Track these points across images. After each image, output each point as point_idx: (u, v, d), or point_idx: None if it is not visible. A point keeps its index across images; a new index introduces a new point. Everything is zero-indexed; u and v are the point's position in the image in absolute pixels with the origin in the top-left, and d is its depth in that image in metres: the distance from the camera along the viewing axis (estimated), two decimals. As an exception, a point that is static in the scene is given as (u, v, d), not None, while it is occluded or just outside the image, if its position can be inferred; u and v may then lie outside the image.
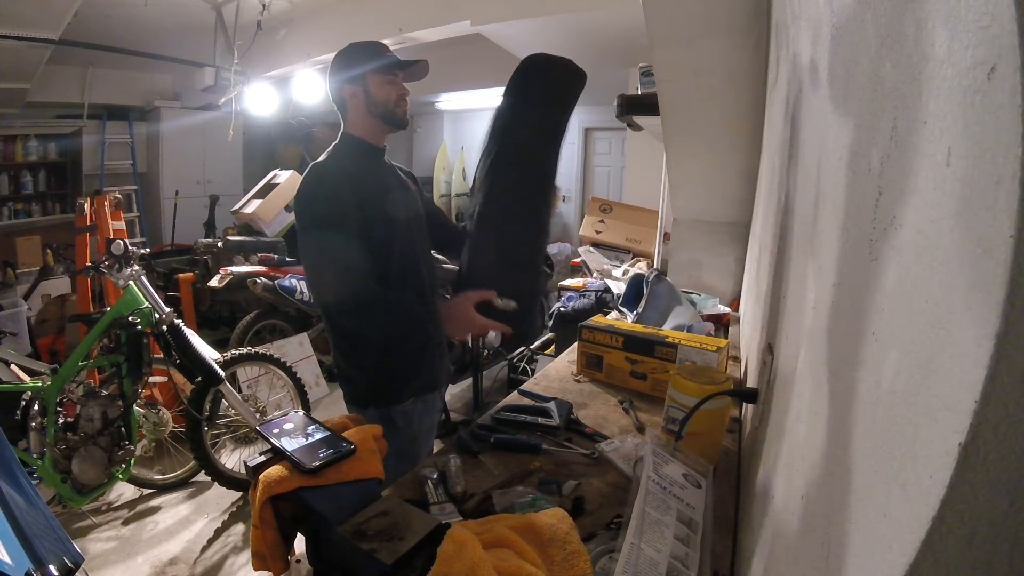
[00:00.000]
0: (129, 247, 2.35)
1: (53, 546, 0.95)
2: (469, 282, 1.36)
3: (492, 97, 6.42)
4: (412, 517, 0.73)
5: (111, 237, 2.56)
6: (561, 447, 1.15)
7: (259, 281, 3.46)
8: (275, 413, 2.72)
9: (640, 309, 1.90)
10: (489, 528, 0.73)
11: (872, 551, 0.31)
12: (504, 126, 1.35)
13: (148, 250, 4.54)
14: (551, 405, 1.26)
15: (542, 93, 1.34)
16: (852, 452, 0.37)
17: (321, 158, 1.37)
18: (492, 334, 3.42)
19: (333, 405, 3.47)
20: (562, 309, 3.00)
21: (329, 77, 1.39)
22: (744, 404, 1.23)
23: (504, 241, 1.33)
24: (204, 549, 2.27)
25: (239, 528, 2.41)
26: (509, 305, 1.26)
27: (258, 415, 2.66)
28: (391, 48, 1.43)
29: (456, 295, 1.35)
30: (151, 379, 2.41)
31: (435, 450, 1.50)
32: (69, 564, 0.95)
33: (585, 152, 7.12)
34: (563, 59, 1.33)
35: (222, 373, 2.41)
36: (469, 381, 3.47)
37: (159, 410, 2.58)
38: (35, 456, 2.10)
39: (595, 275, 3.54)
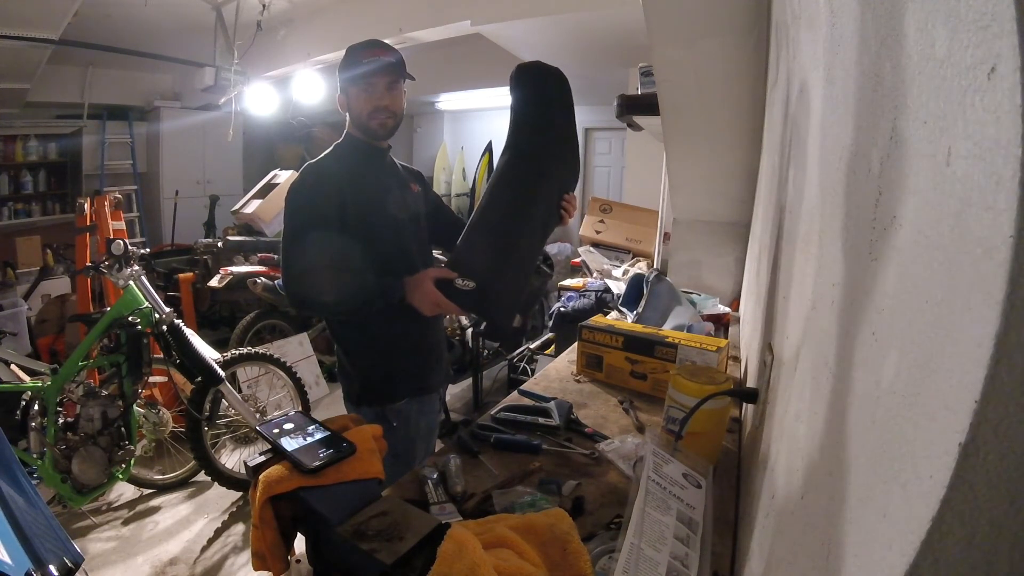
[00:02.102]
0: (129, 247, 2.35)
1: (53, 546, 0.95)
2: (450, 264, 1.31)
3: (492, 97, 6.41)
4: (412, 517, 0.73)
5: (111, 237, 2.56)
6: (561, 447, 1.15)
7: (259, 281, 3.46)
8: (275, 413, 2.73)
9: (640, 309, 1.90)
10: (489, 528, 0.73)
11: (872, 551, 0.31)
12: (512, 127, 1.32)
13: (148, 250, 4.53)
14: (551, 405, 1.26)
15: (539, 94, 1.32)
16: (852, 452, 0.37)
17: (317, 158, 1.37)
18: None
19: (333, 405, 3.47)
20: (562, 309, 3.00)
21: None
22: (744, 404, 1.23)
23: (478, 226, 1.28)
24: (204, 549, 2.27)
25: (239, 528, 2.41)
26: (467, 285, 1.21)
27: (258, 415, 2.66)
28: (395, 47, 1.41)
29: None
30: (151, 379, 2.41)
31: (435, 450, 1.50)
32: (69, 564, 0.94)
33: (585, 152, 7.12)
34: (547, 65, 1.32)
35: (222, 373, 2.41)
36: (469, 381, 3.47)
37: (159, 410, 2.58)
38: (35, 456, 2.10)
39: (595, 275, 3.54)
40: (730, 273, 2.39)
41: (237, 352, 2.69)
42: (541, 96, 1.31)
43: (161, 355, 2.44)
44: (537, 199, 1.28)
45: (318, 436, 0.86)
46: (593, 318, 1.66)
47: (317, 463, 0.79)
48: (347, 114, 1.39)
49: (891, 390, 0.32)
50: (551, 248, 4.90)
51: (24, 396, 2.15)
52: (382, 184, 1.39)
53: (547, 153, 1.30)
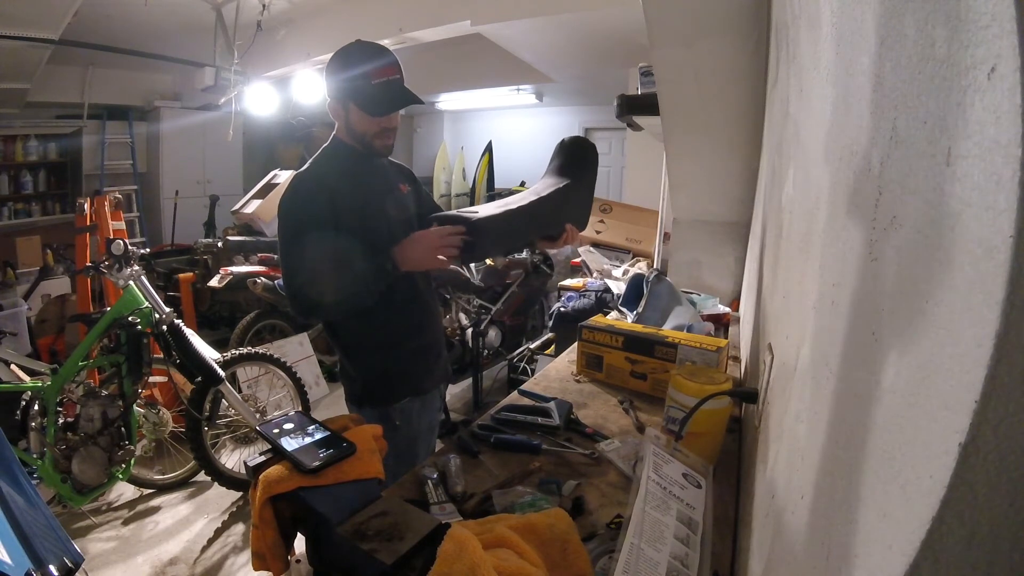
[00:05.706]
0: (129, 247, 2.35)
1: (53, 546, 0.95)
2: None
3: (492, 97, 6.42)
4: (412, 517, 0.73)
5: (111, 237, 2.56)
6: (561, 447, 1.15)
7: (259, 281, 3.46)
8: (275, 413, 2.73)
9: (640, 309, 1.90)
10: (489, 528, 0.73)
11: (872, 551, 0.31)
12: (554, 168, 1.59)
13: (148, 250, 4.54)
14: (551, 405, 1.26)
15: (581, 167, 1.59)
16: (852, 452, 0.37)
17: (305, 166, 1.36)
18: (492, 333, 3.41)
19: (333, 405, 3.47)
20: (562, 309, 3.00)
21: (325, 77, 1.35)
22: (744, 404, 1.23)
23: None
24: (204, 549, 2.27)
25: (239, 528, 2.41)
26: (473, 213, 1.32)
27: (258, 415, 2.66)
28: (392, 48, 1.40)
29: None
30: (151, 379, 2.41)
31: (436, 450, 1.50)
32: (69, 564, 0.94)
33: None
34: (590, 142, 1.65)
35: (222, 373, 2.41)
36: (469, 381, 3.47)
37: (159, 410, 2.58)
38: (35, 456, 2.10)
39: (595, 275, 3.54)
40: (730, 273, 2.39)
41: (237, 352, 2.69)
42: (581, 160, 1.61)
43: (161, 355, 2.43)
44: (547, 200, 1.45)
45: (318, 436, 0.86)
46: (593, 318, 1.66)
47: (317, 463, 0.79)
48: (340, 123, 1.36)
49: (891, 390, 0.32)
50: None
51: (24, 396, 2.15)
52: (374, 188, 1.38)
53: (572, 187, 1.52)
